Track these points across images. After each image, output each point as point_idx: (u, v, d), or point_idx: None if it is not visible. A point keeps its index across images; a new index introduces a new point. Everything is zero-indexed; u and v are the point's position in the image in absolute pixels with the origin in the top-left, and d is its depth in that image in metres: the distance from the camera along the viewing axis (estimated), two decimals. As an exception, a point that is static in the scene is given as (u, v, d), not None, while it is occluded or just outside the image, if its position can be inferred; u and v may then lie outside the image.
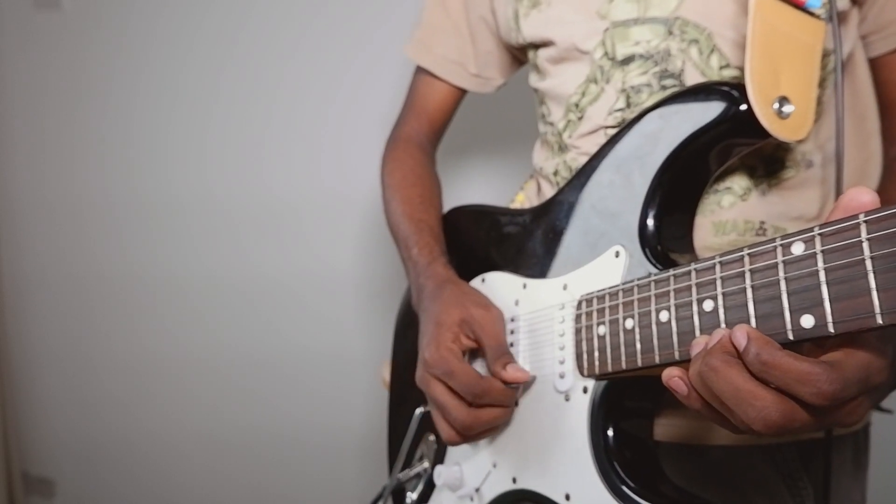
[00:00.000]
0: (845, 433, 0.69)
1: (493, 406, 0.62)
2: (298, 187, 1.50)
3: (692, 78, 0.63)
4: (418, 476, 0.74)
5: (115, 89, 1.65)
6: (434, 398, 0.63)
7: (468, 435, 0.63)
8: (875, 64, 0.68)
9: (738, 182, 0.63)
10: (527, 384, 0.64)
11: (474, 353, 0.68)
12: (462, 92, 0.87)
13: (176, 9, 1.56)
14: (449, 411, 0.62)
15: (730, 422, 0.42)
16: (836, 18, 0.57)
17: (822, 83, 0.63)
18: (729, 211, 0.63)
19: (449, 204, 0.84)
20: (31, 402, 1.89)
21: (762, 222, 0.63)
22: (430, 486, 0.73)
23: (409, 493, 0.75)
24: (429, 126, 0.88)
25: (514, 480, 0.64)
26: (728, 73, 0.62)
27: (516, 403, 0.65)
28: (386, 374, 0.88)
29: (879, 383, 0.41)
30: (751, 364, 0.39)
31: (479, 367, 0.67)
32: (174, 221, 1.63)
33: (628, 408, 0.57)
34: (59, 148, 1.75)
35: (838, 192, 0.60)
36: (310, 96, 1.47)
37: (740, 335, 0.40)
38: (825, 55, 0.61)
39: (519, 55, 0.82)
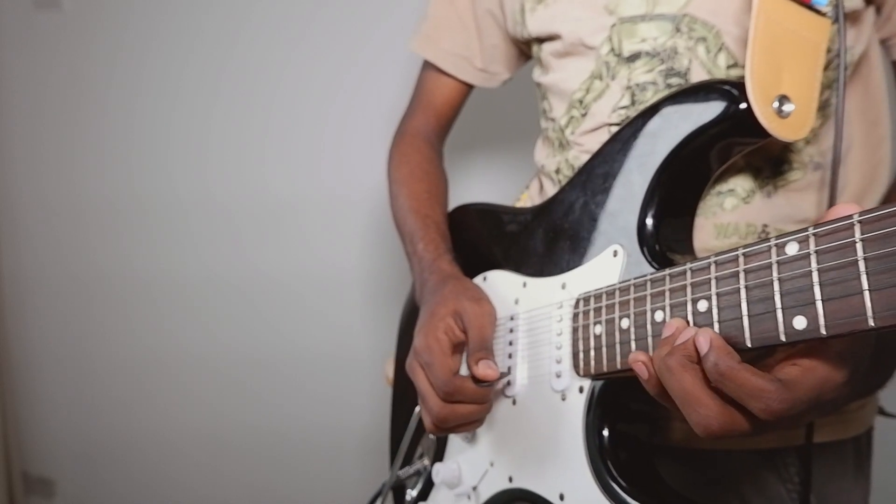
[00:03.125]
0: (846, 438, 0.68)
1: (468, 403, 0.61)
2: (298, 187, 1.50)
3: (698, 77, 0.62)
4: (418, 473, 0.75)
5: (115, 89, 1.65)
6: (417, 386, 0.64)
7: (443, 427, 0.63)
8: None
9: (742, 184, 0.62)
10: (525, 384, 0.64)
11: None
12: (468, 87, 0.86)
13: (176, 9, 1.56)
14: (427, 401, 0.62)
15: (672, 408, 0.45)
16: (843, 18, 0.56)
17: (830, 85, 0.62)
18: (731, 213, 0.62)
19: (453, 203, 0.84)
20: (31, 402, 1.89)
21: (765, 225, 0.63)
22: (429, 483, 0.73)
23: (409, 490, 0.75)
24: (436, 120, 0.87)
25: (511, 479, 0.64)
26: (736, 73, 0.61)
27: (514, 402, 0.65)
28: (389, 370, 0.88)
29: (830, 399, 0.43)
30: (708, 371, 0.41)
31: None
32: (174, 221, 1.63)
33: (624, 408, 0.57)
34: (59, 148, 1.75)
35: (832, 195, 0.59)
36: (310, 96, 1.47)
37: (703, 340, 0.42)
38: (834, 56, 0.60)
39: (525, 49, 0.82)
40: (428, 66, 0.87)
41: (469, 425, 0.64)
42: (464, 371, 0.64)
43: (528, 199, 0.81)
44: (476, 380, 0.60)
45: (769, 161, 0.62)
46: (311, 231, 1.51)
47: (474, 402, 0.61)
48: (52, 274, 1.80)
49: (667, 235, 0.57)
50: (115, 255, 1.71)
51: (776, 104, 0.53)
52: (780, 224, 0.63)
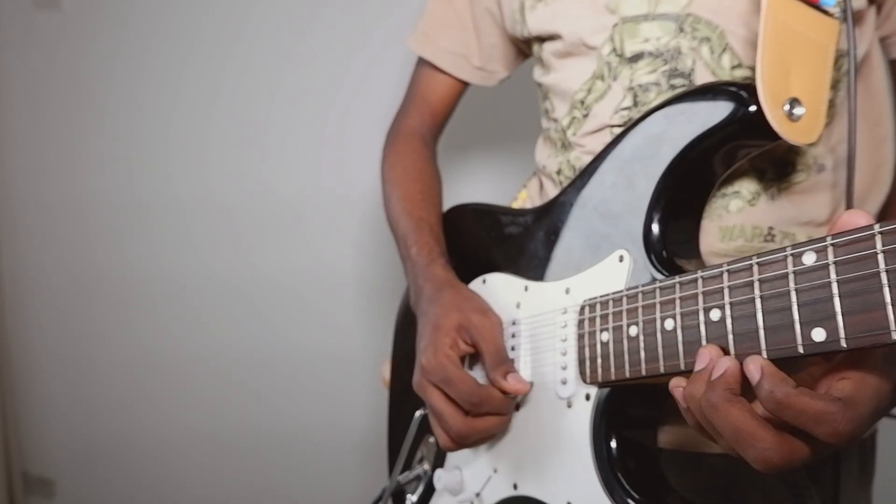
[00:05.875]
0: None
1: (491, 414, 0.61)
2: (298, 187, 1.50)
3: (702, 77, 0.61)
4: (418, 478, 0.74)
5: (115, 89, 1.65)
6: (431, 405, 0.63)
7: (462, 444, 0.62)
8: None
9: (747, 186, 0.61)
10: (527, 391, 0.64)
11: (473, 357, 0.67)
12: (465, 85, 0.86)
13: (176, 9, 1.56)
14: (445, 419, 0.61)
15: (724, 442, 0.42)
16: (851, 17, 0.55)
17: (835, 85, 0.61)
18: (736, 216, 0.61)
19: (450, 201, 0.83)
20: (31, 402, 1.88)
21: (770, 228, 0.62)
22: (430, 489, 0.72)
23: (408, 496, 0.74)
24: (431, 119, 0.86)
25: (515, 486, 0.63)
26: (740, 74, 0.61)
27: (517, 408, 0.64)
28: (386, 373, 0.88)
29: (887, 406, 0.41)
30: (764, 401, 0.39)
31: (477, 373, 0.66)
32: (174, 221, 1.63)
33: (631, 416, 0.56)
34: (59, 148, 1.75)
35: (849, 197, 0.58)
36: (310, 96, 1.46)
37: (753, 369, 0.39)
38: (839, 56, 0.60)
39: (524, 48, 0.81)
40: (423, 63, 0.86)
41: (487, 439, 0.63)
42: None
43: (528, 198, 0.80)
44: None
45: (773, 163, 0.61)
46: (310, 231, 1.51)
47: (499, 413, 0.61)
48: (52, 274, 1.80)
49: (673, 240, 0.57)
50: (115, 255, 1.70)
51: (787, 107, 0.52)
52: (785, 226, 0.62)
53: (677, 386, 0.44)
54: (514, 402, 0.62)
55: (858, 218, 0.38)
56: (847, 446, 0.39)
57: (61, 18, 1.68)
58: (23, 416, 1.90)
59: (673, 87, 0.62)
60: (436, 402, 0.62)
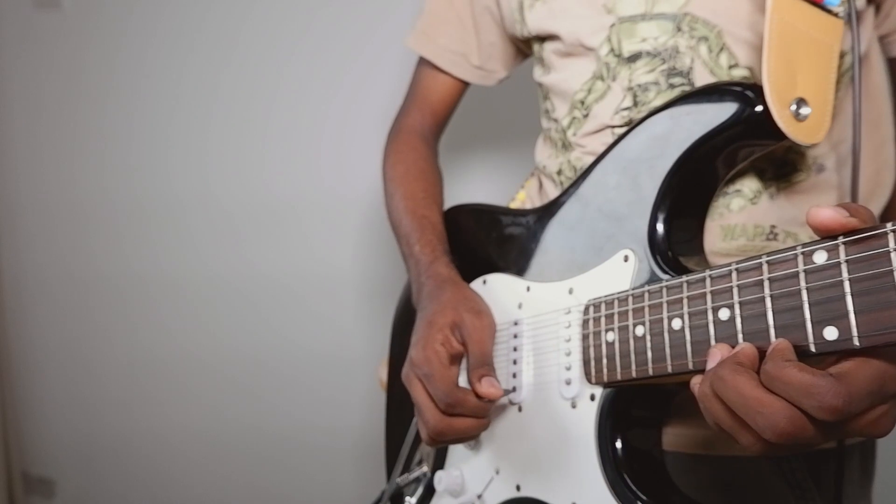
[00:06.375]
0: (854, 443, 0.67)
1: (468, 416, 0.61)
2: (298, 187, 1.49)
3: (701, 76, 0.61)
4: (417, 480, 0.74)
5: (115, 90, 1.64)
6: (414, 398, 0.64)
7: (439, 440, 0.63)
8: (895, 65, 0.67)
9: (749, 185, 0.61)
10: (531, 391, 0.63)
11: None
12: (465, 84, 0.85)
13: (176, 9, 1.55)
14: (423, 413, 0.62)
15: (744, 435, 0.41)
16: (856, 16, 0.55)
17: (835, 84, 0.61)
18: (738, 215, 0.61)
19: (449, 201, 0.83)
20: (31, 402, 1.88)
21: (773, 226, 0.61)
22: (429, 491, 0.72)
23: (407, 498, 0.74)
24: (431, 118, 0.86)
25: (518, 488, 0.63)
26: (737, 73, 0.61)
27: (520, 409, 0.64)
28: (383, 374, 0.88)
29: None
30: (761, 375, 0.39)
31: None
32: (174, 221, 1.62)
33: (636, 416, 0.56)
34: (59, 148, 1.74)
35: (854, 194, 0.58)
36: (310, 96, 1.46)
37: (770, 348, 0.40)
38: (840, 55, 0.60)
39: (523, 48, 0.81)
40: (424, 62, 0.86)
41: (465, 440, 0.64)
42: (463, 382, 0.64)
43: (527, 198, 0.80)
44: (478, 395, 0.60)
45: (772, 162, 0.61)
46: (310, 231, 1.51)
47: (474, 416, 0.61)
48: (51, 274, 1.79)
49: (677, 240, 0.56)
50: (114, 255, 1.70)
51: (794, 107, 0.52)
52: (787, 226, 0.62)
53: (696, 383, 0.44)
54: (489, 408, 0.61)
55: (819, 210, 0.38)
56: (844, 424, 0.38)
57: (61, 18, 1.68)
58: (23, 416, 1.89)
59: (672, 86, 0.62)
60: (418, 395, 0.63)
